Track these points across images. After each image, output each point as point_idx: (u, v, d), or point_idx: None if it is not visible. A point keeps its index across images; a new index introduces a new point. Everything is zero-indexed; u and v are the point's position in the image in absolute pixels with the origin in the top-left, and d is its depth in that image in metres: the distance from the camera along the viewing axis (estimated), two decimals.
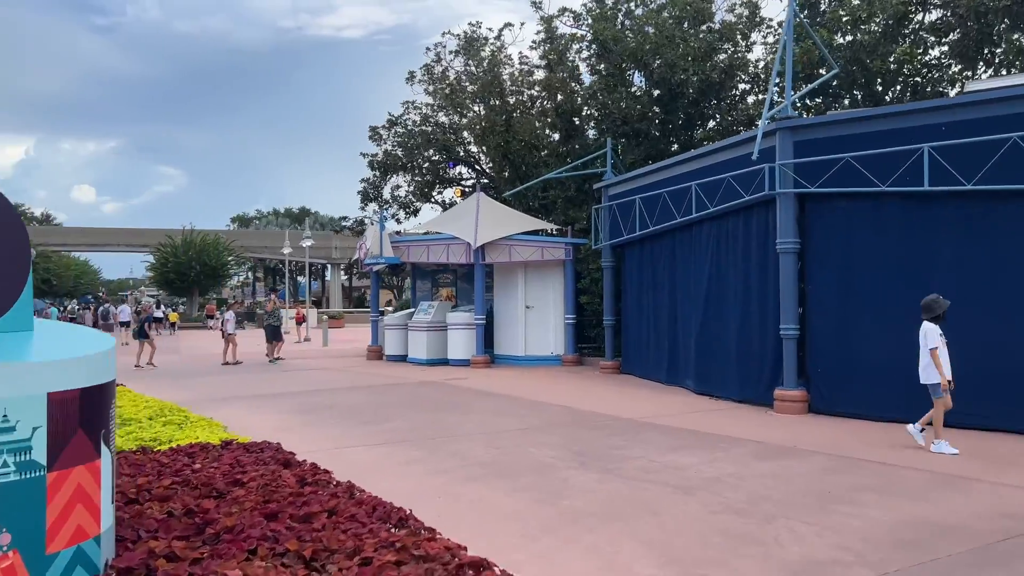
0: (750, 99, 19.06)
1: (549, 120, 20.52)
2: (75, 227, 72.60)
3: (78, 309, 51.17)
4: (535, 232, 18.94)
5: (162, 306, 58.18)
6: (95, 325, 45.34)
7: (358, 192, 25.30)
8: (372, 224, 22.27)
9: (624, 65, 18.47)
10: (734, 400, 11.73)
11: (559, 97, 19.80)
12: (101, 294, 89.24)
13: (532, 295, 18.49)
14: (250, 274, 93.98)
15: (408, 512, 5.10)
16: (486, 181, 23.90)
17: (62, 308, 55.37)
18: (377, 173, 25.09)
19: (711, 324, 12.53)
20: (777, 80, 12.99)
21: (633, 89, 19.03)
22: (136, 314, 39.59)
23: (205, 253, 57.34)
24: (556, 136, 20.91)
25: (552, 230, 19.54)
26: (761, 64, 18.62)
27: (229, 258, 60.07)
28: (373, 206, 25.17)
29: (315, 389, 13.90)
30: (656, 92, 18.68)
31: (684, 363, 13.48)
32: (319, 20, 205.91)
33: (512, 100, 21.56)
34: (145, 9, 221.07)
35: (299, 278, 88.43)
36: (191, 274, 57.20)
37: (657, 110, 18.80)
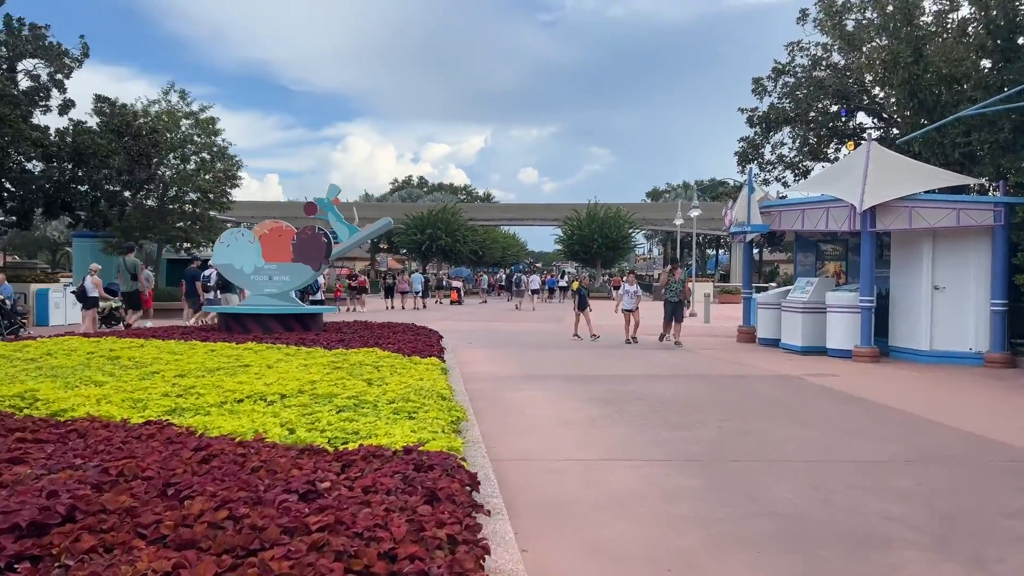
0: None
1: (975, 42, 15.48)
2: (500, 203, 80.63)
3: (504, 275, 55.85)
4: (951, 190, 14.51)
5: (565, 275, 61.41)
6: (507, 290, 49.42)
7: (735, 153, 22.59)
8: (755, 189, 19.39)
9: None
10: None
11: (992, 11, 14.77)
12: (530, 262, 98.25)
13: (942, 272, 14.18)
14: (654, 246, 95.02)
15: None
16: (896, 132, 19.36)
17: (492, 275, 61.67)
18: (758, 130, 22.06)
19: None
20: None
21: None
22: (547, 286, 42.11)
23: (607, 226, 58.83)
24: (986, 64, 15.76)
25: (975, 187, 14.80)
26: None
27: (629, 230, 60.87)
28: (753, 167, 22.22)
29: (642, 374, 12.10)
30: None
31: None
32: None
33: (926, 22, 16.86)
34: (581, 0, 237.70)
35: (709, 251, 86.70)
36: (593, 246, 59.22)
37: None
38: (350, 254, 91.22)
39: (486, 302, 44.99)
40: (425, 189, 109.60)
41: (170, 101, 30.42)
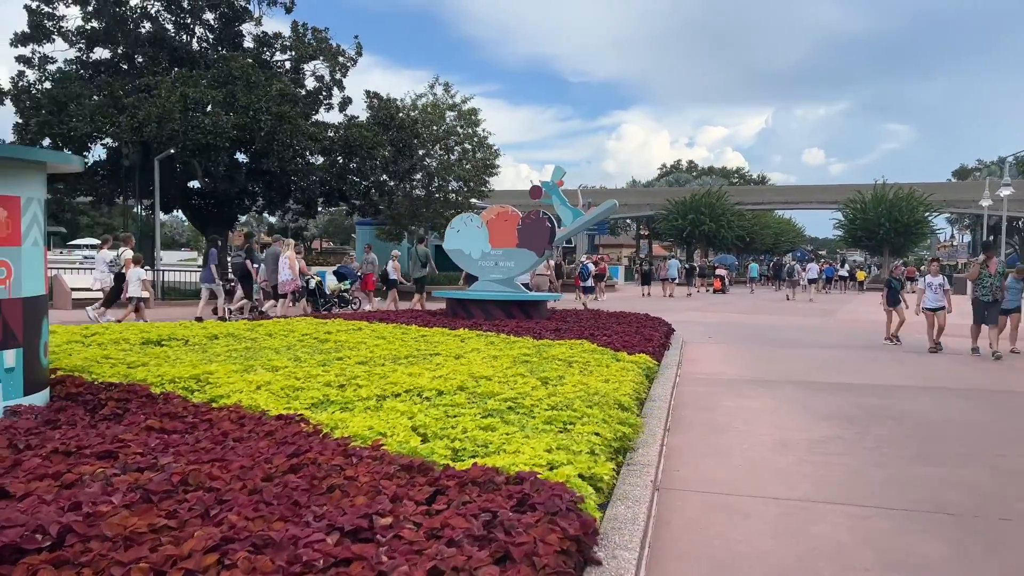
0: None
1: None
2: (773, 185, 75.38)
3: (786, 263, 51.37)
4: None
5: (846, 264, 55.68)
6: (776, 279, 45.86)
7: None
8: None
9: None
10: None
11: None
12: (810, 249, 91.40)
13: None
14: (956, 231, 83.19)
15: None
16: None
17: (763, 262, 57.68)
18: None
19: None
20: None
21: None
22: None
23: (896, 208, 52.32)
24: None
25: None
26: None
27: (925, 213, 53.66)
28: None
29: (908, 386, 9.91)
30: None
31: None
32: None
33: None
34: None
35: None
36: (880, 231, 53.01)
37: None
38: (616, 240, 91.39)
39: (753, 292, 42.08)
40: (694, 173, 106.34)
41: (435, 94, 31.97)
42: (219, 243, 17.56)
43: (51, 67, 24.38)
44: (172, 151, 22.13)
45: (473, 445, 4.61)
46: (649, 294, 34.44)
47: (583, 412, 5.47)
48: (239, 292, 16.63)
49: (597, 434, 5.00)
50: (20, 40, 24.25)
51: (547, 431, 5.01)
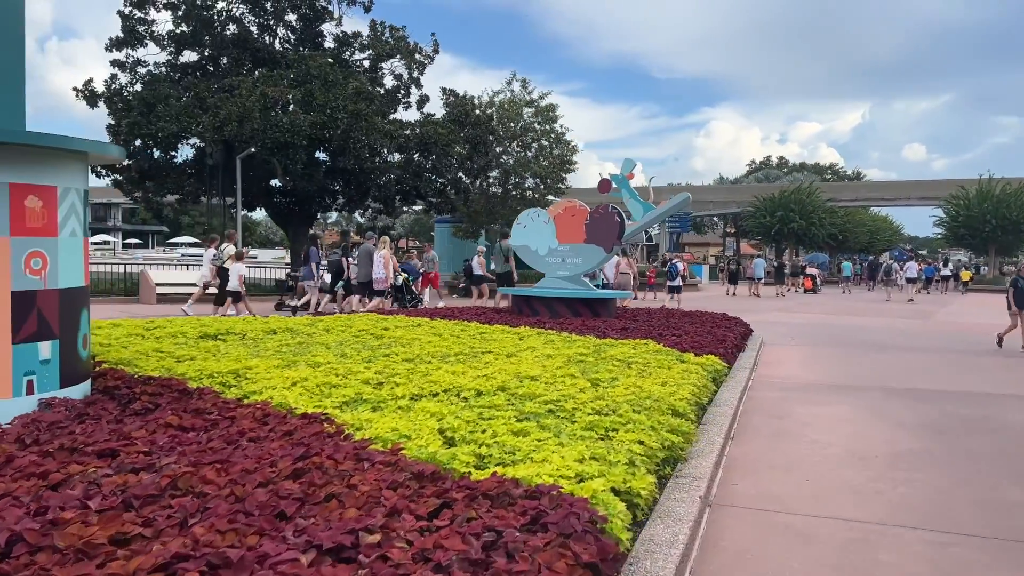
0: None
1: None
2: (868, 181, 71.83)
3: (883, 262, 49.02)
4: None
5: (949, 263, 52.60)
6: (871, 279, 43.55)
7: None
8: None
9: None
10: None
11: None
12: (908, 248, 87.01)
13: None
14: None
15: None
16: None
17: (854, 261, 55.16)
18: None
19: None
20: None
21: None
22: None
23: (1004, 205, 48.99)
24: None
25: None
26: None
27: None
28: None
29: (1014, 394, 8.95)
30: None
31: None
32: None
33: None
34: None
35: None
36: (985, 229, 49.76)
37: None
38: (702, 239, 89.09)
39: (847, 291, 40.13)
40: (785, 170, 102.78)
41: (512, 91, 31.69)
42: (318, 241, 17.88)
43: (141, 70, 25.29)
44: (252, 149, 22.58)
45: (501, 452, 4.22)
46: (735, 293, 33.27)
47: (629, 418, 5.01)
48: (312, 289, 16.89)
49: (641, 443, 4.54)
50: (115, 45, 25.25)
51: (585, 438, 4.58)
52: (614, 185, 13.84)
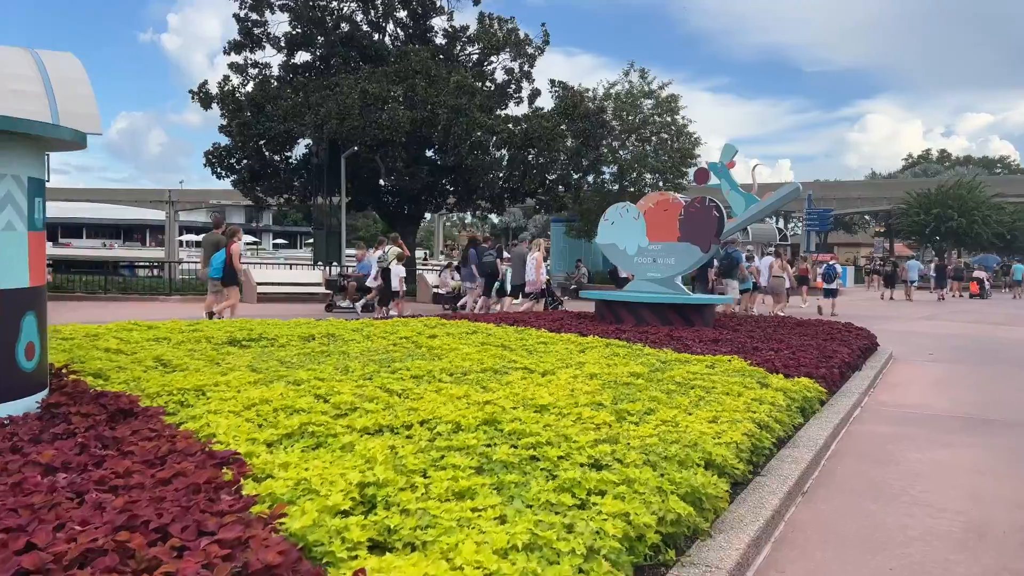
0: None
1: None
2: None
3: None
4: None
5: None
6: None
7: None
8: None
9: None
10: None
11: None
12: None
13: None
14: None
15: None
16: None
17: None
18: None
19: None
20: None
21: None
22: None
23: None
24: None
25: None
26: None
27: None
28: None
29: None
30: None
31: None
32: None
33: None
34: None
35: None
36: None
37: None
38: (852, 239, 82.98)
39: (1018, 297, 35.74)
40: (947, 164, 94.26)
41: (631, 81, 30.08)
42: (479, 243, 17.65)
43: (252, 71, 25.71)
44: (355, 148, 22.33)
45: (414, 526, 3.02)
46: (892, 297, 30.39)
47: (625, 475, 3.66)
48: (470, 291, 16.90)
49: (625, 516, 3.20)
50: (233, 48, 25.84)
51: (549, 506, 3.30)
52: (712, 175, 12.19)
